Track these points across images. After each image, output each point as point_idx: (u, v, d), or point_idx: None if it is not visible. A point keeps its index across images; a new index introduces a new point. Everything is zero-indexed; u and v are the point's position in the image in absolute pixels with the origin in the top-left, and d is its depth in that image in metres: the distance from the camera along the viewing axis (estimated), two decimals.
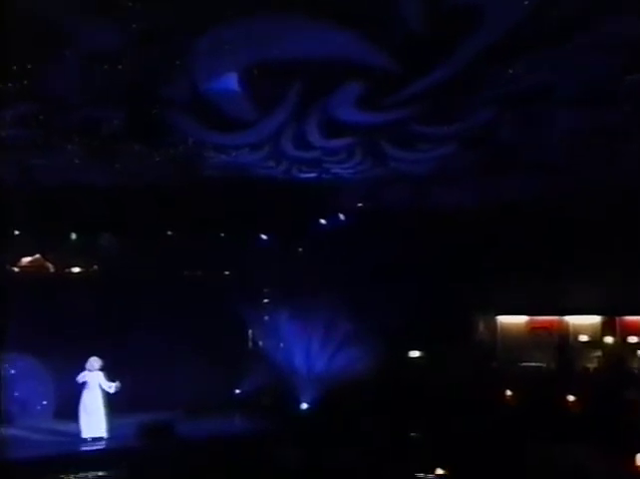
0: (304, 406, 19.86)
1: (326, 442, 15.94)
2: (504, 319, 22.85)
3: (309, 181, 17.63)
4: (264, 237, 21.77)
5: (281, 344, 21.15)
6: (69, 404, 17.66)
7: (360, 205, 20.55)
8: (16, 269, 20.18)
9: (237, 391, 20.90)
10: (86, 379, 17.09)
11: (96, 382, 17.09)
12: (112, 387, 17.08)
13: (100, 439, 16.93)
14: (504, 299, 21.88)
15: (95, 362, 17.17)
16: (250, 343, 22.31)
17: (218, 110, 12.88)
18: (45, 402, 19.47)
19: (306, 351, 20.66)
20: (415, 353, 22.23)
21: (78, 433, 16.98)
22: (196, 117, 13.28)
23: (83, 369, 17.25)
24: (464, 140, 14.93)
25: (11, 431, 17.27)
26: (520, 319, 22.71)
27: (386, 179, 17.46)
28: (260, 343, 22.06)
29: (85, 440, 16.83)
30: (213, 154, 15.47)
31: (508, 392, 19.63)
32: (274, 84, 12.21)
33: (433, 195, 18.91)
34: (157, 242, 20.47)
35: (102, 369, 17.23)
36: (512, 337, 22.54)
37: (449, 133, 14.53)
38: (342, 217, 21.19)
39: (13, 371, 19.11)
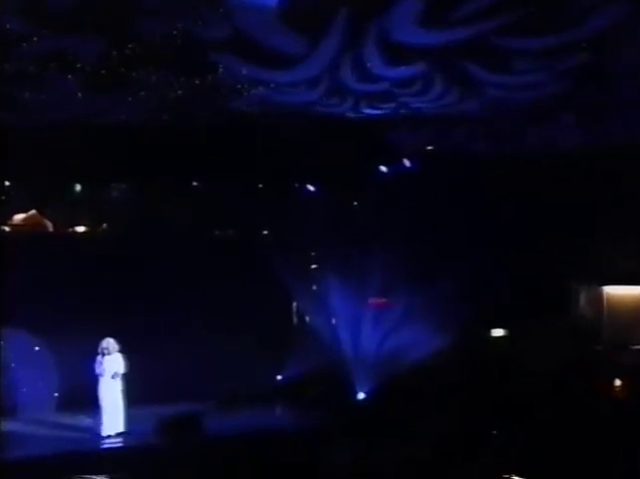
0: (360, 396, 19.87)
1: (386, 439, 15.85)
2: (612, 290, 22.53)
3: (378, 119, 17.81)
4: (311, 188, 21.87)
5: (332, 320, 21.17)
6: (77, 394, 17.92)
7: (430, 148, 20.51)
8: (6, 229, 20.26)
9: (278, 378, 20.99)
10: (102, 365, 17.10)
11: (113, 368, 17.08)
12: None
13: (118, 436, 17.01)
14: (612, 265, 21.65)
15: (111, 344, 17.15)
16: (294, 319, 22.41)
17: (261, 46, 13.35)
18: (47, 391, 19.36)
19: (362, 329, 20.67)
20: (496, 332, 22.11)
21: (92, 428, 17.12)
22: (239, 54, 13.77)
23: (94, 352, 17.21)
24: (566, 60, 14.72)
25: (12, 426, 17.35)
26: (632, 291, 22.43)
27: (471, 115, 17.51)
28: (306, 319, 22.19)
29: (101, 437, 16.91)
30: (259, 90, 15.73)
31: (617, 382, 19.52)
32: (317, 9, 12.55)
33: (520, 135, 18.86)
34: (179, 195, 20.70)
35: (120, 352, 17.26)
36: (622, 313, 22.26)
37: (549, 45, 14.26)
38: (407, 163, 21.24)
39: (11, 355, 19.06)
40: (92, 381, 17.17)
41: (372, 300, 20.83)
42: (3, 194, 19.53)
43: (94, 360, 17.16)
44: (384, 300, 20.75)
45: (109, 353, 17.13)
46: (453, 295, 19.16)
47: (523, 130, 18.43)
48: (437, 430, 16.37)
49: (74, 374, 18.39)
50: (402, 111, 17.44)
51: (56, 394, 19.48)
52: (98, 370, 17.10)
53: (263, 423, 18.08)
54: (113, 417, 17.02)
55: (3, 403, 18.04)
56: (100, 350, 17.16)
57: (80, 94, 15.51)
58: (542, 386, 18.08)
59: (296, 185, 22.01)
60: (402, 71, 15.15)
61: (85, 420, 17.66)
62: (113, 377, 17.08)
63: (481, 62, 15.01)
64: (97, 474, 14.72)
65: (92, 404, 17.19)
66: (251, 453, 15.41)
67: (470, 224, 19.92)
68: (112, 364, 17.10)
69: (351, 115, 17.44)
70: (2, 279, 17.95)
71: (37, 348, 19.23)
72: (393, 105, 17.09)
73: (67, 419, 18.37)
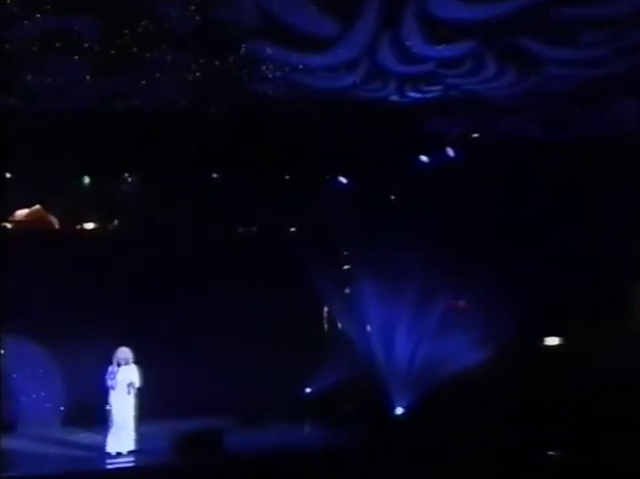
0: (398, 411, 19.80)
1: (427, 461, 15.82)
2: None
3: (419, 104, 17.65)
4: (343, 180, 21.77)
5: (367, 327, 21.15)
6: (85, 408, 18.03)
7: (475, 136, 20.27)
8: (7, 226, 20.31)
9: (307, 391, 21.13)
10: (116, 377, 16.90)
11: (127, 380, 16.88)
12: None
13: (129, 454, 16.81)
14: None
15: (127, 354, 17.00)
16: (324, 326, 22.64)
17: (293, 29, 13.59)
18: (52, 404, 19.64)
19: (400, 336, 20.56)
20: (553, 340, 21.74)
21: (100, 446, 16.92)
22: (265, 34, 13.90)
23: (103, 362, 17.00)
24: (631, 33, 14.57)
25: (14, 443, 17.31)
26: None
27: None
28: (338, 326, 22.28)
29: (110, 455, 16.72)
30: (287, 73, 15.76)
31: None
32: None
33: (580, 120, 18.59)
34: (197, 189, 20.65)
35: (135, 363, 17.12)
36: None
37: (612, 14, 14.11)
38: (450, 152, 20.98)
39: (12, 364, 19.11)
40: (101, 394, 16.96)
41: (412, 305, 20.46)
42: (4, 187, 19.31)
43: (104, 371, 16.96)
44: (425, 305, 20.34)
45: (126, 363, 16.97)
46: (502, 299, 18.96)
47: (584, 114, 18.21)
48: (486, 451, 16.32)
49: (81, 386, 18.53)
50: (451, 93, 17.38)
51: (62, 408, 19.65)
52: (110, 382, 16.89)
53: (290, 442, 17.94)
54: (124, 434, 16.86)
55: (3, 417, 18.03)
56: (114, 360, 16.95)
57: (88, 77, 15.43)
58: (606, 399, 17.78)
59: (327, 177, 21.93)
60: (446, 50, 15.07)
61: (93, 437, 17.58)
62: (127, 390, 16.87)
63: (538, 36, 14.89)
64: None
65: (100, 419, 17.05)
66: (276, 476, 15.39)
67: (520, 220, 19.71)
68: (126, 376, 16.92)
69: (395, 99, 17.36)
70: (3, 280, 17.93)
71: (40, 357, 19.31)
72: (440, 87, 17.02)
73: (73, 436, 18.39)
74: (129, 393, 16.89)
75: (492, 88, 16.87)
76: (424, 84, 16.82)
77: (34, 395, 19.38)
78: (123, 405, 16.89)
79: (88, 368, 17.74)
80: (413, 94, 17.23)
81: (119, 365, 16.92)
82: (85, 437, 17.97)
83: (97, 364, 17.24)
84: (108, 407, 16.88)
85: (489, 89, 16.95)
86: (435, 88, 17.06)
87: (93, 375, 17.26)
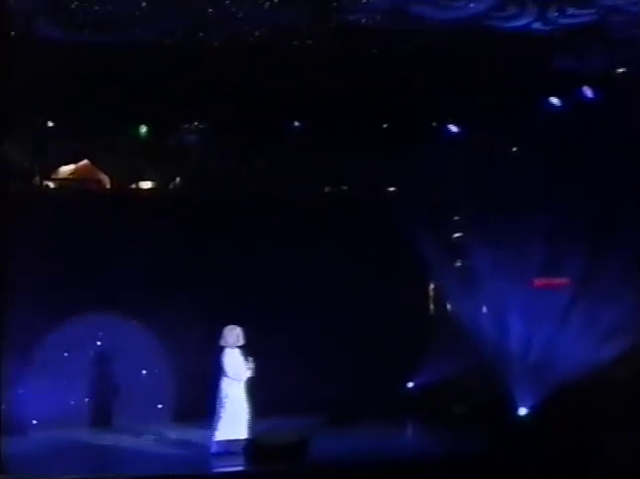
0: (522, 411, 19.68)
1: (557, 470, 15.46)
2: None
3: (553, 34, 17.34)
4: (454, 128, 21.50)
5: (482, 309, 21.17)
6: (192, 400, 18.98)
7: (621, 71, 19.75)
8: (51, 185, 20.57)
9: (409, 386, 21.24)
10: (228, 360, 17.04)
11: (240, 364, 17.03)
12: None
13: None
14: None
15: (237, 332, 17.09)
16: (431, 307, 22.67)
17: None
18: (145, 397, 20.23)
19: (523, 321, 20.37)
20: None
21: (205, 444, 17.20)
22: None
23: (207, 346, 17.37)
24: None
25: (111, 440, 18.50)
26: None
27: None
28: (446, 308, 22.35)
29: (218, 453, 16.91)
30: None
31: None
32: None
33: None
34: (275, 141, 20.69)
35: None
36: None
37: None
38: (588, 92, 20.50)
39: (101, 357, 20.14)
40: (207, 383, 17.26)
41: (536, 282, 20.47)
42: (45, 138, 19.44)
43: (209, 355, 17.17)
44: (553, 283, 20.33)
45: (235, 345, 17.04)
46: None
47: None
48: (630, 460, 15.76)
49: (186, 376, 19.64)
50: (610, 17, 16.94)
51: (160, 406, 20.44)
52: (222, 366, 16.99)
53: (389, 447, 17.82)
54: (236, 427, 16.91)
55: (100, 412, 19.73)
56: (224, 341, 17.04)
57: (144, 4, 15.57)
58: None
59: (434, 124, 21.56)
60: None
61: (197, 433, 18.12)
62: (241, 375, 16.98)
63: None
64: None
65: (207, 413, 17.24)
66: None
67: None
68: (239, 358, 17.05)
69: (537, 27, 17.00)
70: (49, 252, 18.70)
71: (134, 343, 20.02)
72: (593, 11, 16.67)
73: (171, 433, 19.14)
74: (242, 378, 17.02)
75: None
76: (572, 4, 16.48)
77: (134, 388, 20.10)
78: (236, 393, 16.98)
79: (187, 354, 19.19)
80: (558, 20, 16.87)
81: (231, 347, 17.02)
82: (187, 433, 18.76)
83: (197, 348, 18.65)
84: (220, 397, 16.95)
85: None
86: (585, 12, 16.72)
87: (194, 362, 18.78)
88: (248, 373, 16.97)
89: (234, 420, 16.90)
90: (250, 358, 16.99)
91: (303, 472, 15.88)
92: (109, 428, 19.47)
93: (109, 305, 19.41)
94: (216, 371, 16.91)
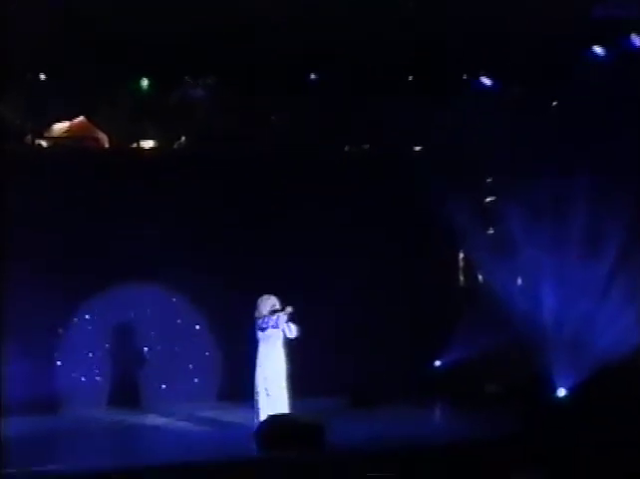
0: (561, 392, 19.60)
1: (597, 456, 15.08)
2: None
3: None
4: (486, 81, 21.22)
5: (516, 280, 21.22)
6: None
7: None
8: (43, 143, 20.45)
9: (437, 364, 21.31)
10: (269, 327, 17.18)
11: (278, 334, 17.17)
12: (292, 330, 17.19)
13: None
14: None
15: (271, 303, 17.14)
16: (460, 278, 22.72)
17: None
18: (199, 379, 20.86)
19: (565, 295, 20.21)
20: None
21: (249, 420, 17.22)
22: None
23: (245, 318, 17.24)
24: None
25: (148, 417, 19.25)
26: None
27: None
28: (478, 278, 22.37)
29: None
30: None
31: None
32: None
33: None
34: (293, 94, 20.72)
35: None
36: None
37: None
38: (637, 40, 19.89)
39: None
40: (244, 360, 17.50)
41: (578, 252, 20.10)
42: (37, 91, 19.29)
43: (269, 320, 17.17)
44: (597, 253, 19.85)
45: (275, 315, 17.16)
46: None
47: None
48: None
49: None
50: None
51: (195, 380, 20.97)
52: (264, 333, 17.17)
53: (415, 430, 17.82)
54: (278, 404, 17.04)
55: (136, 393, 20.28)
56: (264, 311, 17.11)
57: None
58: None
59: (465, 77, 21.26)
60: None
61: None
62: (282, 345, 17.21)
63: None
64: None
65: (246, 391, 17.35)
66: (397, 471, 14.81)
67: None
68: (279, 329, 17.20)
69: None
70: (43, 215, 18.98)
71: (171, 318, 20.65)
72: None
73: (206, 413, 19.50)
74: (282, 350, 17.24)
75: None
76: None
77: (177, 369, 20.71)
78: (277, 366, 17.21)
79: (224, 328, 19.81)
80: None
81: (271, 317, 17.12)
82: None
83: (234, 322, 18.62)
84: (258, 370, 17.17)
85: None
86: None
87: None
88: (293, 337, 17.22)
89: (275, 399, 17.02)
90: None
91: (326, 458, 15.66)
92: (137, 408, 19.88)
93: (106, 274, 19.70)
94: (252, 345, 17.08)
